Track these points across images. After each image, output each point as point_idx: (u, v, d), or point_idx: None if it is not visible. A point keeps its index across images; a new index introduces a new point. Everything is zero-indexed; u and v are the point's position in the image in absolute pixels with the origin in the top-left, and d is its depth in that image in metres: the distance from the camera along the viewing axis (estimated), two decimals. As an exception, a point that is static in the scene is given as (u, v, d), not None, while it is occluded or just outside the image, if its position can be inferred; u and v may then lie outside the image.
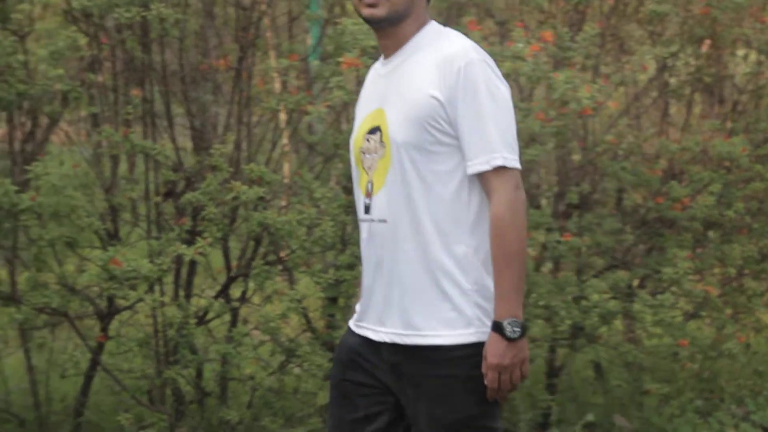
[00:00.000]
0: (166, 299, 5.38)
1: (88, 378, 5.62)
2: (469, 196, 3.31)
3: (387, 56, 3.44)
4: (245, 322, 5.70)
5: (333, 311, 5.56)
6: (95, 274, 5.04)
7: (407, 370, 3.36)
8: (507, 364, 3.27)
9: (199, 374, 5.55)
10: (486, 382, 3.30)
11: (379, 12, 3.35)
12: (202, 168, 5.35)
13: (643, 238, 6.32)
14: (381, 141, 3.37)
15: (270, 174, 5.17)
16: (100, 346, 5.51)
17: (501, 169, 3.26)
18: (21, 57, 5.13)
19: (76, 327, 5.45)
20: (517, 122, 3.41)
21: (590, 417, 6.19)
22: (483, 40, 5.42)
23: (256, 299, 5.63)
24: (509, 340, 3.26)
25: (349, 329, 3.54)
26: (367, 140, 3.41)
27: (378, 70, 3.49)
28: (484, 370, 3.29)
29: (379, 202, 3.38)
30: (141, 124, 5.47)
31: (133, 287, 5.09)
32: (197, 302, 5.56)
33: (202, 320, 5.47)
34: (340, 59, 5.12)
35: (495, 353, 3.27)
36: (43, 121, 5.51)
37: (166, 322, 5.30)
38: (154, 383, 5.47)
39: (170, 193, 5.43)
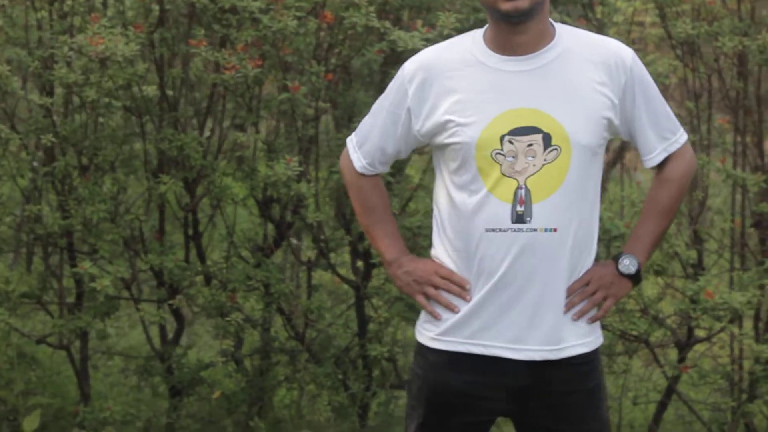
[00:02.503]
0: (746, 332, 5.28)
1: (662, 406, 5.58)
2: None
3: (521, 53, 3.15)
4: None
5: None
6: (681, 303, 5.02)
7: (553, 388, 3.19)
8: (604, 284, 3.25)
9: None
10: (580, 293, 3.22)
11: (523, 4, 3.07)
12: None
13: None
14: (549, 144, 3.11)
15: None
16: (677, 376, 5.47)
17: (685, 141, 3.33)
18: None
19: (655, 354, 5.44)
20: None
21: None
22: None
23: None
24: (618, 272, 3.27)
25: (447, 361, 3.23)
26: (510, 142, 3.12)
27: (499, 65, 3.17)
28: (577, 284, 3.21)
29: (547, 210, 3.12)
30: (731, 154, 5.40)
31: (718, 319, 5.02)
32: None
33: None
34: None
35: (600, 271, 3.25)
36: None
37: (746, 355, 5.19)
38: (727, 416, 5.37)
39: (758, 224, 5.30)
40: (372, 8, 4.62)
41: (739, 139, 5.38)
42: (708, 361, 5.69)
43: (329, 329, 5.35)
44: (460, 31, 5.07)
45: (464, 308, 3.22)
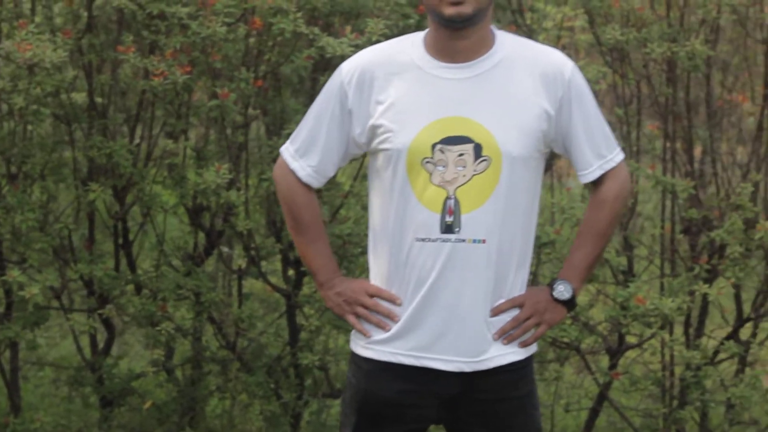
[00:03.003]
0: (677, 338, 5.31)
1: (594, 413, 5.60)
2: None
3: (460, 60, 3.14)
4: (752, 364, 5.57)
5: None
6: (612, 309, 5.04)
7: (480, 397, 3.20)
8: (539, 310, 3.24)
9: (704, 416, 5.44)
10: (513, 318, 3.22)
11: (466, 9, 3.06)
12: (721, 206, 5.25)
13: None
14: (479, 154, 3.10)
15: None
16: (609, 383, 5.48)
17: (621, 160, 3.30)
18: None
19: (586, 361, 5.46)
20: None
21: None
22: None
23: (768, 342, 5.48)
24: (553, 297, 3.26)
25: (379, 370, 3.23)
26: (441, 151, 3.11)
27: (436, 71, 3.15)
28: (506, 305, 3.20)
29: (475, 221, 3.11)
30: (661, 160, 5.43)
31: (648, 325, 5.04)
32: (706, 343, 5.47)
33: (712, 362, 5.35)
34: None
35: (534, 296, 3.24)
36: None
37: (677, 361, 5.22)
38: (659, 423, 5.40)
39: (688, 230, 5.34)
40: (300, 15, 4.60)
41: (668, 145, 5.41)
42: (639, 367, 5.72)
43: (261, 338, 5.32)
44: (388, 37, 5.08)
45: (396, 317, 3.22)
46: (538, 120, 3.15)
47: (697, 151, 5.66)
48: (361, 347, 3.27)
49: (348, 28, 4.74)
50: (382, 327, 3.23)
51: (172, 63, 4.62)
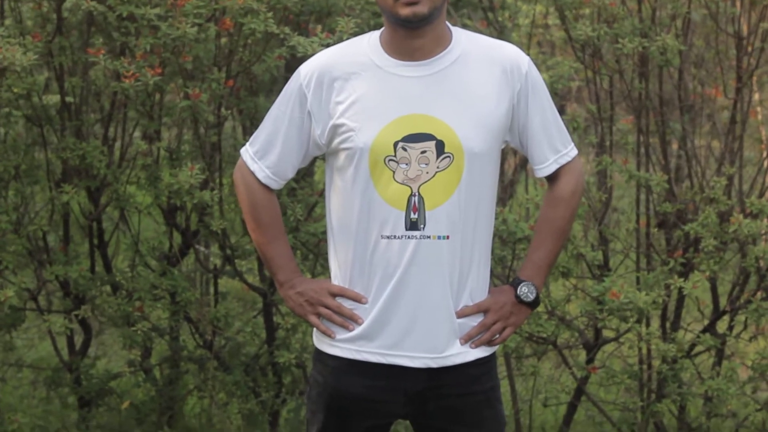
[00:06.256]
0: (653, 331, 5.31)
1: (572, 407, 5.61)
2: None
3: (418, 57, 3.15)
4: (729, 357, 5.59)
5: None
6: (588, 304, 5.05)
7: (445, 392, 3.22)
8: (504, 315, 3.26)
9: (682, 409, 5.46)
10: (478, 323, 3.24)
11: (422, 9, 3.08)
12: (695, 200, 5.26)
13: None
14: (443, 151, 3.13)
15: (770, 207, 5.02)
16: (586, 377, 5.50)
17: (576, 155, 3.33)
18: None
19: (564, 356, 5.47)
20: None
21: None
22: None
23: (744, 335, 5.48)
24: (518, 299, 3.29)
25: (347, 367, 3.24)
26: (404, 149, 3.12)
27: (394, 70, 3.16)
28: (472, 310, 3.22)
29: (439, 218, 3.14)
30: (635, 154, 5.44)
31: (624, 319, 5.05)
32: (683, 336, 5.48)
33: (688, 354, 5.36)
34: None
35: (499, 300, 3.26)
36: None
37: (654, 355, 5.23)
38: (637, 416, 5.41)
39: (663, 224, 5.35)
40: (270, 15, 4.60)
41: (642, 139, 5.42)
42: (617, 361, 5.73)
43: (238, 337, 5.32)
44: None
45: (362, 315, 3.22)
46: (498, 115, 3.17)
47: (674, 145, 5.67)
48: (327, 345, 3.28)
49: (319, 28, 4.73)
50: (346, 327, 3.24)
51: (142, 65, 4.62)
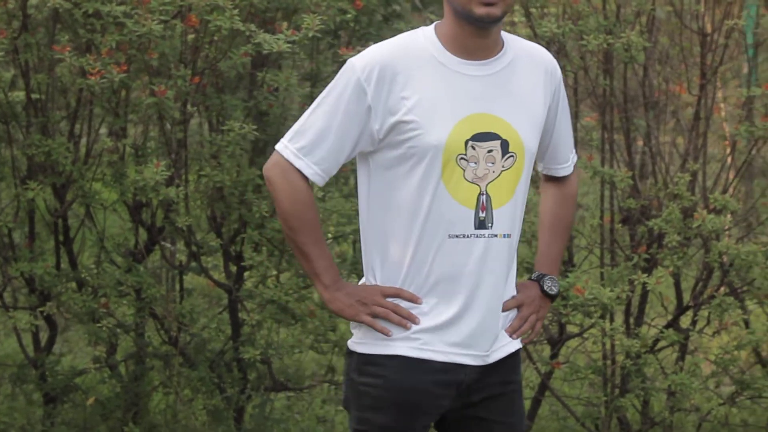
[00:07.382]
0: (617, 327, 5.35)
1: (536, 402, 5.64)
2: None
3: (480, 57, 3.15)
4: (692, 352, 5.64)
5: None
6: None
7: (490, 381, 3.25)
8: (536, 308, 3.33)
9: (645, 404, 5.50)
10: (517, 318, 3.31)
11: (497, 11, 3.07)
12: (659, 196, 5.30)
13: None
14: (507, 150, 3.15)
15: (733, 203, 5.06)
16: (550, 372, 5.53)
17: None
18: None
19: (528, 351, 5.50)
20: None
21: None
22: None
23: (708, 330, 5.53)
24: (543, 292, 3.35)
25: (407, 364, 3.19)
26: (473, 147, 3.13)
27: (459, 68, 3.14)
28: (513, 303, 3.29)
29: (504, 216, 3.16)
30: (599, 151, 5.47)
31: (588, 314, 5.09)
32: (646, 331, 5.52)
33: (652, 350, 5.41)
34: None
35: (530, 294, 3.33)
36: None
37: (617, 350, 5.27)
38: (600, 411, 5.45)
39: (627, 220, 5.39)
40: (236, 12, 4.60)
41: (606, 136, 5.45)
42: (581, 356, 5.77)
43: (203, 333, 5.33)
44: (324, 32, 5.10)
45: (417, 314, 3.20)
46: (544, 115, 3.24)
47: (639, 142, 5.71)
48: (382, 347, 3.21)
49: (285, 25, 4.74)
50: (403, 326, 3.20)
51: (108, 61, 4.61)
